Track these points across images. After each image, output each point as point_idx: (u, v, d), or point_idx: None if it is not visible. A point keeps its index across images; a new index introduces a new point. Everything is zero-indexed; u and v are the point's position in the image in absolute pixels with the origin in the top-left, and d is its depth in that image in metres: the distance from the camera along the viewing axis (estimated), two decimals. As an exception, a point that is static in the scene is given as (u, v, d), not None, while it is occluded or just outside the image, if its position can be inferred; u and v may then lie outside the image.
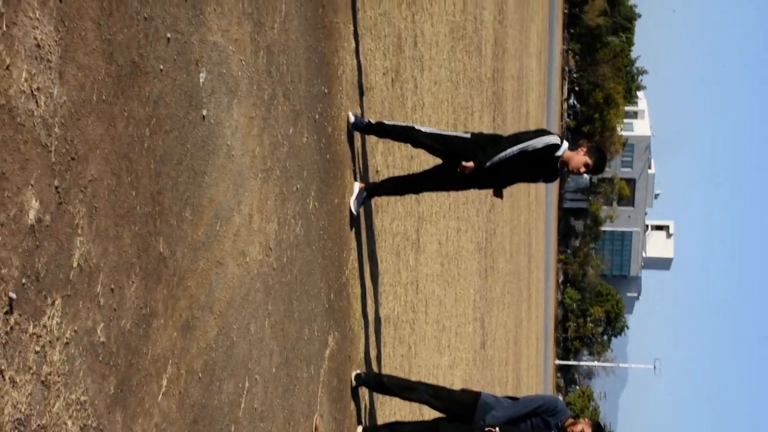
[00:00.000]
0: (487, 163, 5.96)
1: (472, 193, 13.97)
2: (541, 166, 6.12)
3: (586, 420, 5.95)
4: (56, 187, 2.56)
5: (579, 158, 6.09)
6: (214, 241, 3.89)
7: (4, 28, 2.31)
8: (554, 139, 6.07)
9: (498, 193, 6.40)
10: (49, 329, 2.54)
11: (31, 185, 2.44)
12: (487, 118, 16.17)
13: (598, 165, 6.14)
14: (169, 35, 3.40)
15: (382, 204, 7.57)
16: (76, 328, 2.69)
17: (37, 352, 2.48)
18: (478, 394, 6.11)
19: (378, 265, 7.40)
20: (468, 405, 6.07)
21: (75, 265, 2.67)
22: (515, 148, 5.98)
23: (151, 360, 3.24)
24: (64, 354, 2.62)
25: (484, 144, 6.07)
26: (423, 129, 6.26)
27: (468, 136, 6.18)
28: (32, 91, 2.43)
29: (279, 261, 4.87)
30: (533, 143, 6.02)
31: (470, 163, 5.94)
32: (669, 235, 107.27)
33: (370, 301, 7.08)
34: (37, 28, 2.45)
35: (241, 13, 4.20)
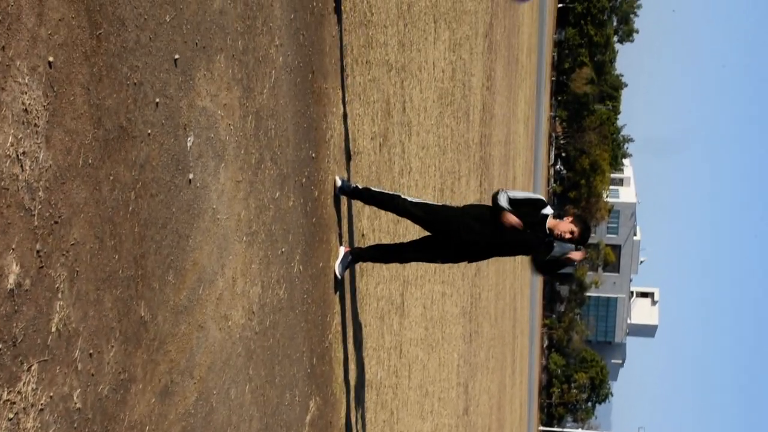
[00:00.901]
0: (497, 200, 6.05)
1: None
2: (530, 224, 6.12)
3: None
4: (38, 251, 2.55)
5: (565, 225, 6.13)
6: (196, 305, 3.87)
7: (-8, 94, 2.32)
8: (540, 197, 6.23)
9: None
10: (23, 396, 2.50)
11: (13, 249, 2.42)
12: (474, 183, 16.25)
13: (583, 235, 6.17)
14: (158, 100, 3.41)
15: (367, 268, 7.55)
16: (51, 394, 2.65)
17: (10, 419, 2.44)
18: None
19: (362, 329, 7.36)
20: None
21: (53, 329, 2.65)
22: (506, 192, 6.12)
23: (127, 426, 3.19)
24: (38, 421, 2.58)
25: (476, 214, 6.12)
26: (409, 198, 6.28)
27: (459, 207, 6.25)
28: (18, 155, 2.43)
29: (261, 325, 4.84)
30: (519, 193, 6.18)
31: (507, 216, 6.00)
32: (654, 303, 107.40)
33: (352, 366, 7.03)
34: (26, 93, 2.46)
35: (230, 78, 4.23)
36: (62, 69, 2.66)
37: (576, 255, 6.15)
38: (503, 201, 6.06)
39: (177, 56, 3.59)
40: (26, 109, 2.47)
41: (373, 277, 7.86)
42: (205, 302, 3.97)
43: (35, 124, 2.52)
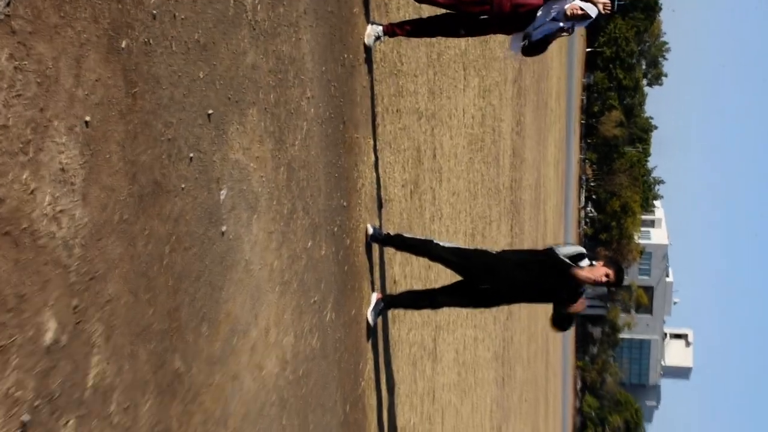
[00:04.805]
0: (561, 257, 5.99)
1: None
2: (562, 275, 6.05)
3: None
4: (74, 307, 2.56)
5: (599, 270, 6.03)
6: (230, 356, 3.86)
7: (31, 155, 2.35)
8: (583, 250, 6.15)
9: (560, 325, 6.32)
10: (60, 450, 2.50)
11: (50, 306, 2.44)
12: (505, 227, 16.20)
13: (618, 277, 6.06)
14: (191, 155, 3.44)
15: (399, 314, 7.53)
16: (88, 448, 2.66)
17: (47, 474, 2.44)
18: None
19: (394, 375, 7.31)
20: None
21: (90, 384, 2.65)
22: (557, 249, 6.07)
23: (162, 478, 3.18)
24: (74, 475, 2.58)
25: (513, 260, 6.08)
26: (442, 243, 6.26)
27: (493, 251, 6.20)
28: (55, 214, 2.46)
29: (295, 374, 4.82)
30: (568, 248, 6.11)
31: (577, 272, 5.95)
32: (688, 344, 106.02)
33: (385, 412, 6.98)
34: (63, 152, 2.49)
35: (263, 131, 4.26)
36: (98, 128, 2.70)
37: (579, 306, 6.04)
38: (584, 262, 6.00)
39: (210, 111, 3.62)
40: (63, 168, 2.50)
41: (405, 323, 7.83)
42: (239, 353, 3.97)
43: (72, 183, 2.55)
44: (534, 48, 6.20)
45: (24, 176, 2.33)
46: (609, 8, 6.11)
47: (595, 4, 6.00)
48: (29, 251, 2.35)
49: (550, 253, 6.05)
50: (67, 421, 2.54)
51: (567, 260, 5.97)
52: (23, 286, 2.33)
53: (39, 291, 2.40)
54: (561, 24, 6.01)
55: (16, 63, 2.29)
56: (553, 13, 6.00)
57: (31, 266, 2.36)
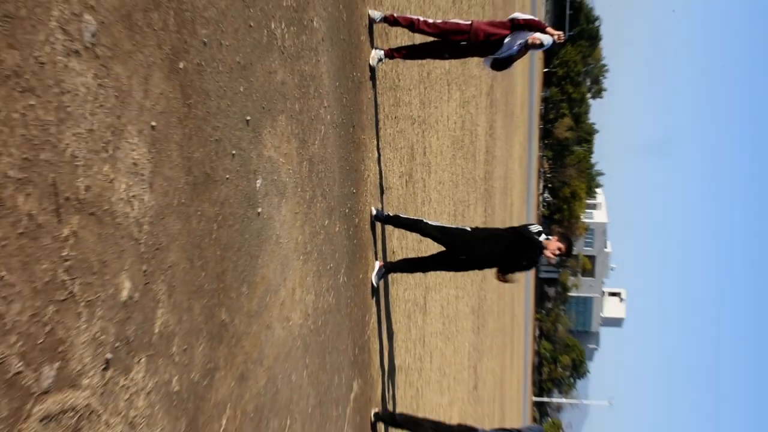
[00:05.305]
0: (533, 236, 6.03)
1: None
2: (527, 246, 6.07)
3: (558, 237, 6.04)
4: (144, 271, 2.58)
5: (554, 244, 6.06)
6: (264, 310, 3.88)
7: (110, 152, 2.36)
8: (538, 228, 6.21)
9: (503, 277, 6.33)
10: (135, 381, 2.52)
11: (125, 270, 2.46)
12: (480, 210, 16.19)
13: (569, 249, 6.11)
14: (234, 152, 3.45)
15: (397, 277, 7.54)
16: (156, 380, 2.68)
17: (126, 400, 2.46)
18: (474, 429, 5.98)
19: (393, 325, 7.34)
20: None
21: (156, 331, 2.67)
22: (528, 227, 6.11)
23: (213, 404, 3.21)
24: (146, 401, 2.60)
25: (484, 236, 6.09)
26: (430, 222, 6.27)
27: (469, 229, 6.20)
28: (128, 198, 2.47)
29: (315, 324, 4.84)
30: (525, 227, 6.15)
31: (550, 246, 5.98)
32: (621, 300, 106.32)
33: (386, 354, 7.00)
34: (135, 150, 2.50)
35: (290, 133, 4.26)
36: (162, 131, 2.71)
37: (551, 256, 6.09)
38: (542, 237, 6.02)
39: (248, 117, 3.63)
40: (135, 163, 2.51)
41: (401, 284, 7.85)
42: (272, 307, 3.99)
43: (141, 174, 2.56)
44: (501, 65, 6.23)
45: (105, 169, 2.34)
46: (563, 39, 6.14)
47: (551, 36, 6.02)
48: (109, 227, 2.37)
49: (523, 231, 6.08)
50: (140, 359, 2.56)
51: (537, 238, 6.02)
52: (105, 254, 2.34)
53: (117, 258, 2.41)
54: (524, 44, 6.04)
55: (99, 81, 2.30)
56: (519, 41, 6.01)
57: (111, 239, 2.38)
